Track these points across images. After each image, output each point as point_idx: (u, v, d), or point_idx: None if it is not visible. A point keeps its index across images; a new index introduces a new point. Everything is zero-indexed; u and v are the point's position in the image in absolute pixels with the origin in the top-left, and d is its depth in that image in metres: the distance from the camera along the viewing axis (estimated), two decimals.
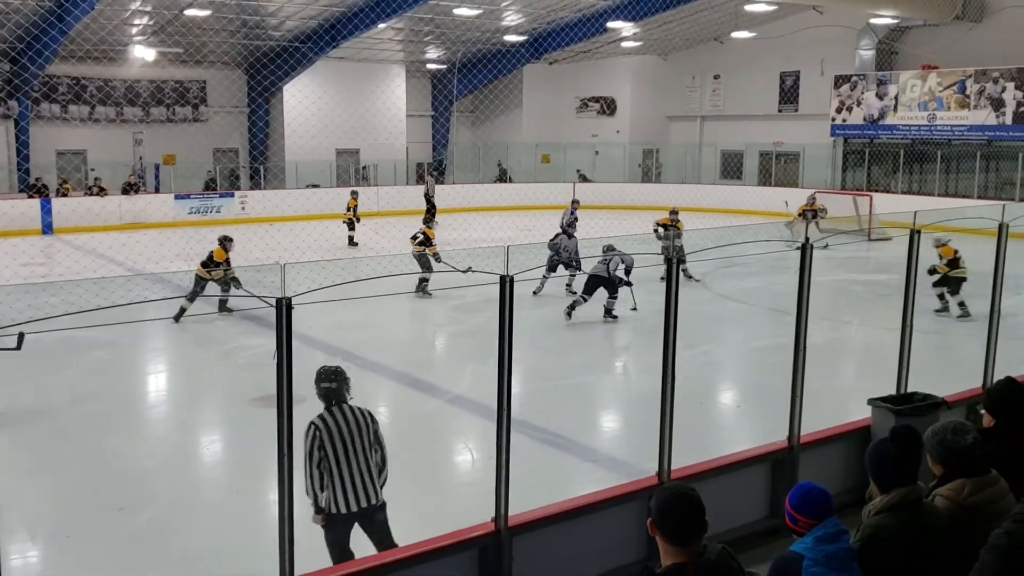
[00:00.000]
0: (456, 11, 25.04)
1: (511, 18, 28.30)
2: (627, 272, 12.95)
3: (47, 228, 23.47)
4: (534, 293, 14.49)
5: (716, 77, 32.54)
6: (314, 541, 5.01)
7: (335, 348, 11.80)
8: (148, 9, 24.02)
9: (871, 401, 6.41)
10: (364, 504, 5.05)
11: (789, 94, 30.66)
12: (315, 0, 24.66)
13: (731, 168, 32.04)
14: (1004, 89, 24.53)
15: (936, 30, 26.29)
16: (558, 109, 34.45)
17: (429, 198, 25.28)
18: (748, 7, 25.09)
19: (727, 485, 5.70)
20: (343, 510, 5.02)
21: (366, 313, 13.74)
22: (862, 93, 27.63)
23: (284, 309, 3.96)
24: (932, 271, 13.04)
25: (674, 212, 16.55)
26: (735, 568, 2.95)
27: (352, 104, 30.73)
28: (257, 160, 30.66)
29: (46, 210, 23.65)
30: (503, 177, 32.80)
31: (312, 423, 5.00)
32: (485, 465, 7.17)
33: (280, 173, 30.04)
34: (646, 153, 33.85)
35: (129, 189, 25.97)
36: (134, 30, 26.05)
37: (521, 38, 30.45)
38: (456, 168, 34.38)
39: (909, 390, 6.54)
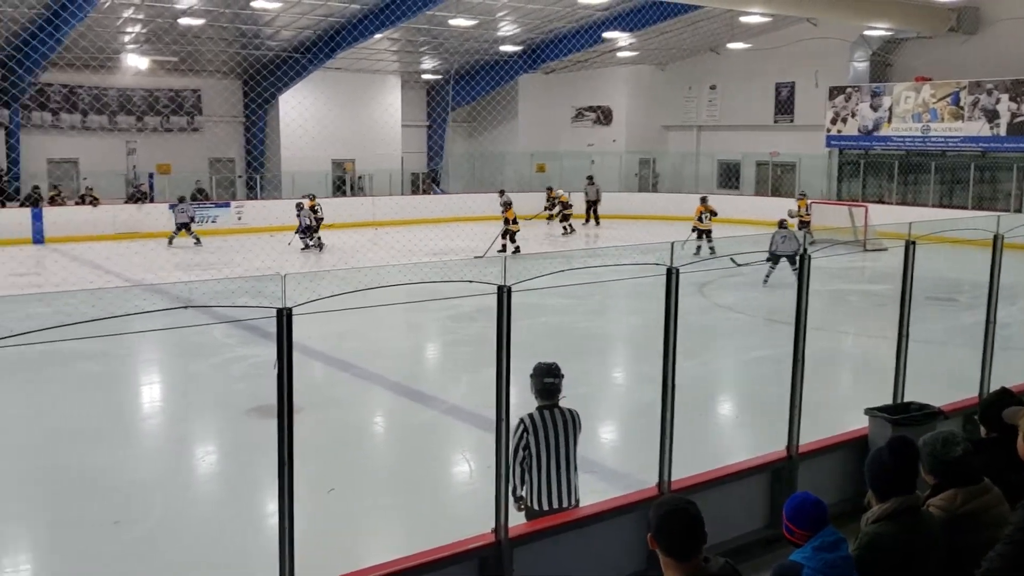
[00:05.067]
0: (452, 22, 25.08)
1: (507, 28, 28.35)
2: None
3: (38, 237, 23.25)
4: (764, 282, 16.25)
5: (712, 87, 32.64)
6: (314, 553, 4.97)
7: (331, 358, 11.79)
8: (141, 17, 24.00)
9: (868, 411, 6.41)
10: (557, 505, 5.26)
11: (784, 105, 30.76)
12: (311, 10, 24.68)
13: (728, 178, 32.13)
14: (998, 100, 24.63)
15: (930, 42, 26.43)
16: (554, 119, 34.49)
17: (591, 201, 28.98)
18: (744, 19, 25.19)
19: (727, 495, 5.69)
20: (536, 507, 5.26)
21: (361, 323, 13.73)
22: (856, 104, 27.73)
23: (285, 319, 3.97)
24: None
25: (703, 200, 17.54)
26: None
27: (348, 114, 30.77)
28: (253, 170, 30.64)
29: (37, 219, 23.42)
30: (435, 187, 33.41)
31: (521, 420, 5.21)
32: (484, 475, 7.15)
33: (276, 183, 30.03)
34: (643, 162, 33.91)
35: (137, 199, 25.92)
36: (127, 38, 26.04)
37: (517, 48, 30.52)
38: (451, 178, 34.41)
39: (906, 399, 6.54)
